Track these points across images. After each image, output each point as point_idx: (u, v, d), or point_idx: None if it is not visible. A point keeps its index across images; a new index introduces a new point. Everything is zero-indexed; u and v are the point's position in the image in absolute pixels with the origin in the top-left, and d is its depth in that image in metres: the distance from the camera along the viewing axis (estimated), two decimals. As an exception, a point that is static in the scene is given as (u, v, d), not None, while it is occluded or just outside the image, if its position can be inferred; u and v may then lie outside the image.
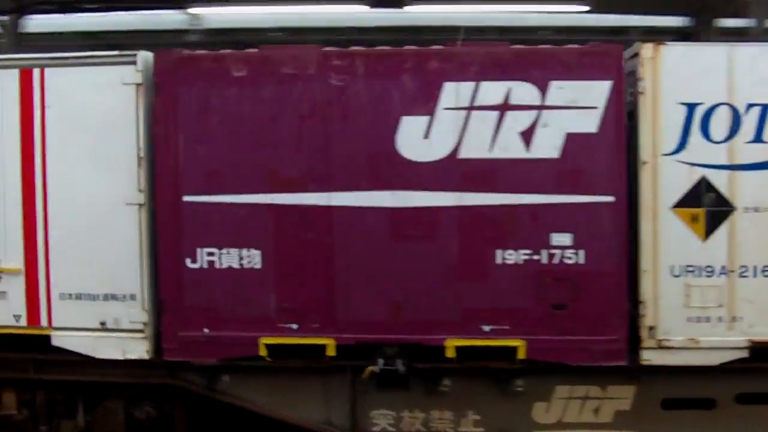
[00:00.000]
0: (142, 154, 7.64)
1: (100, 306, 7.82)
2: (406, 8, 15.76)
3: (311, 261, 7.59)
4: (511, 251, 7.42)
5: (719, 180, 7.24)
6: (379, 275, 7.53)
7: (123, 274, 7.76)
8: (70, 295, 7.85)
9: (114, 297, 7.81)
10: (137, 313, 7.77)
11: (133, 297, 7.78)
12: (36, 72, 7.79)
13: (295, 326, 7.63)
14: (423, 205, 7.45)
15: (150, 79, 7.68)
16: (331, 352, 7.60)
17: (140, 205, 7.70)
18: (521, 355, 7.45)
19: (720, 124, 7.21)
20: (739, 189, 7.24)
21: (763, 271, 7.25)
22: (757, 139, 7.19)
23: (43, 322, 7.90)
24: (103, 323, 7.83)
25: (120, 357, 7.79)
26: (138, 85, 7.65)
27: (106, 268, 7.79)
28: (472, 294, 7.47)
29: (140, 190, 7.68)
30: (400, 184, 7.46)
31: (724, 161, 7.23)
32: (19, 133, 7.84)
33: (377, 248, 7.52)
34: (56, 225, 7.83)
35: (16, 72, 7.82)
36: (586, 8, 15.61)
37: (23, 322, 7.93)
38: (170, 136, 7.63)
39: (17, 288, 7.91)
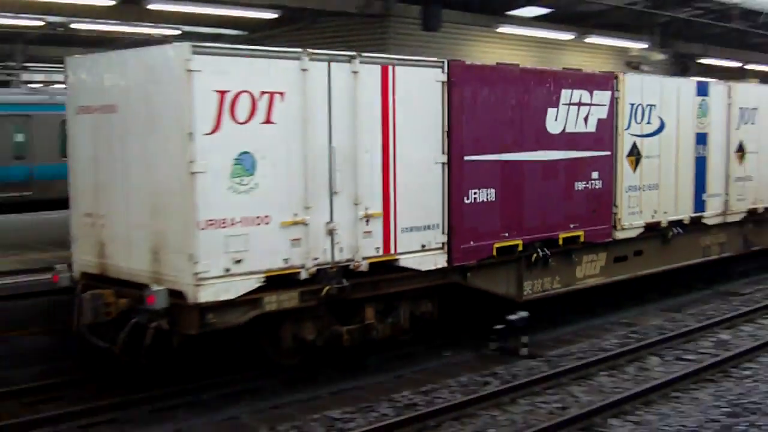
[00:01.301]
0: (446, 129, 11.36)
1: (421, 234, 11.31)
2: None
3: (514, 193, 12.47)
4: (579, 183, 13.56)
5: (639, 142, 14.60)
6: (538, 200, 12.85)
7: (433, 210, 11.42)
8: (407, 228, 11.10)
9: (428, 227, 11.38)
10: (440, 236, 11.52)
11: (438, 226, 11.49)
12: (390, 68, 10.72)
13: (507, 234, 12.41)
14: (553, 159, 13.05)
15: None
16: (520, 248, 12.61)
17: (444, 163, 11.41)
18: (582, 239, 13.67)
19: (639, 114, 14.56)
20: (644, 147, 14.72)
21: (649, 187, 14.90)
22: (648, 121, 14.76)
23: (392, 250, 10.96)
24: (423, 246, 11.33)
25: (433, 267, 11.42)
26: (443, 83, 11.31)
27: (425, 207, 11.32)
28: (567, 208, 13.40)
29: (443, 153, 11.38)
30: (546, 147, 12.91)
31: (639, 133, 14.62)
32: (380, 116, 10.68)
33: (538, 184, 12.84)
34: (399, 181, 10.97)
35: (377, 68, 10.59)
36: None
37: (381, 252, 10.85)
38: (458, 117, 11.59)
39: (378, 227, 10.80)
